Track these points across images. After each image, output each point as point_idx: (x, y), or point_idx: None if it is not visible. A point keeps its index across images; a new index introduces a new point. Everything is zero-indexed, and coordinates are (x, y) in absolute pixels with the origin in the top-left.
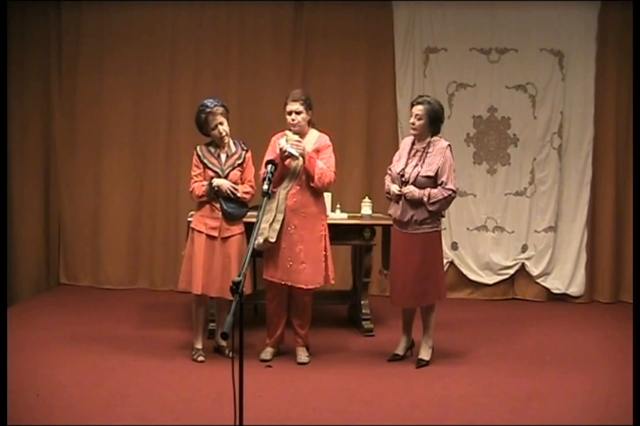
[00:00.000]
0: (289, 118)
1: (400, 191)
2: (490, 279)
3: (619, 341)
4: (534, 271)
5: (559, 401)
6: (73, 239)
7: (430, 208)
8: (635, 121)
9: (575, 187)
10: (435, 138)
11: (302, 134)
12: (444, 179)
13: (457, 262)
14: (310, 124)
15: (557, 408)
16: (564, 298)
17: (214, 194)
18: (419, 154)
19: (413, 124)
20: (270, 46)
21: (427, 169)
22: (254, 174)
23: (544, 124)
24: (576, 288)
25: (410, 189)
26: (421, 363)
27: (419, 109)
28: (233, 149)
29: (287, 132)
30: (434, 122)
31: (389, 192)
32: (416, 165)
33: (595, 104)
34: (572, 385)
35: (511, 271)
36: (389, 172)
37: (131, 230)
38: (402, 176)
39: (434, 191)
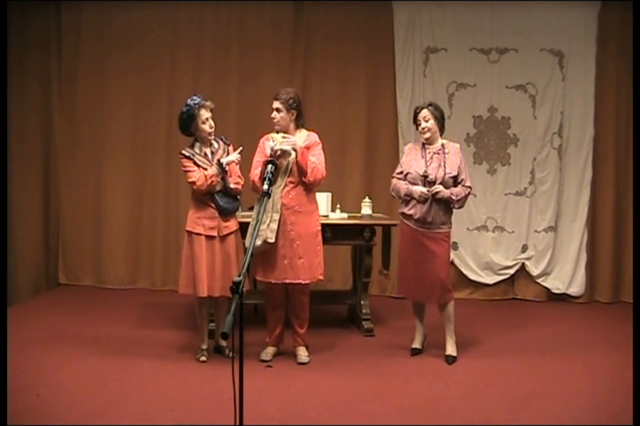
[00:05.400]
0: (272, 114)
1: (429, 191)
2: (490, 279)
3: (619, 341)
4: (534, 271)
5: (558, 401)
6: (73, 239)
7: (456, 206)
8: (635, 121)
9: (575, 187)
10: (445, 140)
11: (288, 133)
12: (463, 176)
13: (457, 262)
14: (299, 124)
15: (556, 408)
16: (564, 298)
17: (223, 173)
18: (437, 156)
19: (424, 128)
20: (270, 48)
21: (451, 169)
22: (239, 168)
23: (544, 124)
24: (576, 288)
25: (440, 188)
26: (451, 359)
27: (424, 113)
28: (216, 145)
29: (273, 135)
30: (442, 119)
31: (407, 195)
32: (439, 166)
33: (595, 104)
34: (572, 384)
35: (511, 271)
36: (398, 176)
37: (131, 230)
38: (426, 177)
39: (457, 189)
